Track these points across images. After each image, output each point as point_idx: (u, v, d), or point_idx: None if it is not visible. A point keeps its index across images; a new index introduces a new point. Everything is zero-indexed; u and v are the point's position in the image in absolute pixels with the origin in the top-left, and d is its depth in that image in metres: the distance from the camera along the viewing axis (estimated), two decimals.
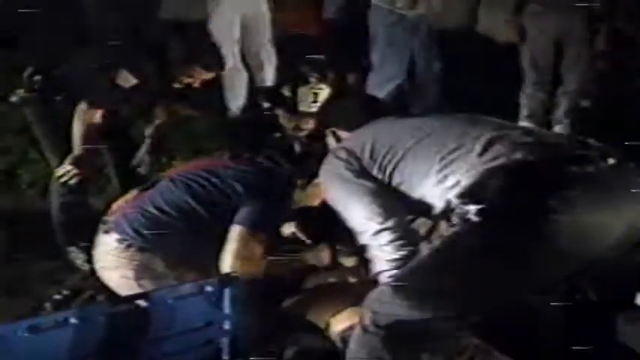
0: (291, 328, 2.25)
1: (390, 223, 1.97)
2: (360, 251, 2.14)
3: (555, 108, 4.39)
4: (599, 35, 4.15)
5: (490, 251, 1.75)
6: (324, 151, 2.39)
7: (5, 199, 3.60)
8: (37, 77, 2.91)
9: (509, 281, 1.79)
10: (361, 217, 2.01)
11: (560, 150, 1.90)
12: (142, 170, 3.13)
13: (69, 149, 2.81)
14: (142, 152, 3.16)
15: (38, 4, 3.95)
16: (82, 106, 2.79)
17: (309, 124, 2.71)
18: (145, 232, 2.27)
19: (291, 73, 4.15)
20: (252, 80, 4.67)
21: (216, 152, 2.62)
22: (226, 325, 1.87)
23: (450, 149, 1.93)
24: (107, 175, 3.33)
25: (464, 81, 4.42)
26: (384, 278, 1.96)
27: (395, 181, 2.01)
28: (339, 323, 2.16)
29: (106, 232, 2.34)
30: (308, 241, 2.60)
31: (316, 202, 2.40)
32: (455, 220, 1.83)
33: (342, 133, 2.40)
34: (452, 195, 1.85)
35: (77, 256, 3.03)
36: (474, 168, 1.84)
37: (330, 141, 2.45)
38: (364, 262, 2.14)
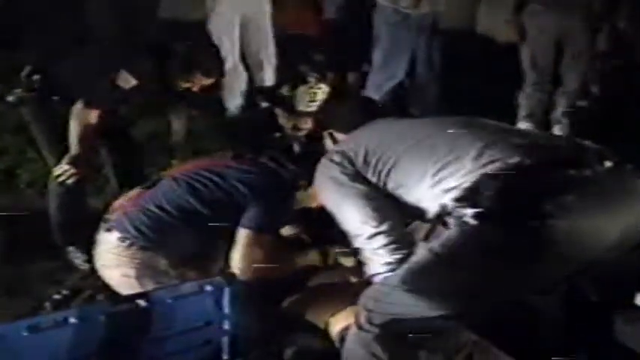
0: (291, 328, 2.25)
1: (384, 227, 1.97)
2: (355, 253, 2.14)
3: (554, 108, 4.39)
4: (600, 35, 4.14)
5: (487, 253, 1.75)
6: (324, 151, 2.38)
7: (4, 198, 3.59)
8: (35, 77, 2.90)
9: (507, 282, 1.79)
10: (355, 220, 2.01)
11: (556, 153, 1.89)
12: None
13: (66, 149, 2.80)
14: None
15: (37, 4, 3.96)
16: (79, 105, 2.78)
17: (308, 124, 2.71)
18: (147, 230, 2.27)
19: (291, 73, 4.16)
20: (251, 80, 4.67)
21: (218, 152, 2.61)
22: (226, 325, 1.87)
23: (445, 153, 1.92)
24: (105, 175, 3.33)
25: (463, 81, 4.42)
26: (378, 280, 1.96)
27: (389, 185, 2.01)
28: (338, 323, 2.16)
29: (108, 230, 2.34)
30: (308, 242, 2.60)
31: (316, 203, 2.40)
32: (451, 222, 1.82)
33: (339, 135, 2.40)
34: (448, 199, 1.84)
35: (76, 256, 3.03)
36: (469, 172, 1.83)
37: (328, 143, 2.45)
38: (363, 263, 2.13)
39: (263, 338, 2.13)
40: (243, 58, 4.58)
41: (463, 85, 4.38)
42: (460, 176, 1.84)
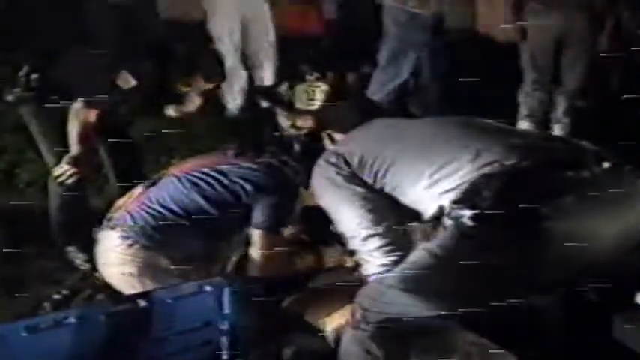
0: (290, 328, 2.25)
1: (379, 229, 1.96)
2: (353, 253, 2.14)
3: (554, 107, 4.39)
4: (601, 34, 4.14)
5: (484, 255, 1.74)
6: (324, 151, 2.38)
7: (4, 198, 3.59)
8: (34, 76, 2.90)
9: (503, 283, 1.78)
10: (351, 222, 2.01)
11: (554, 155, 1.89)
12: None
13: (66, 149, 2.80)
14: None
15: (37, 4, 3.95)
16: (78, 105, 2.78)
17: (307, 123, 2.71)
18: (150, 229, 2.27)
19: (291, 73, 4.16)
20: (251, 80, 4.67)
21: (220, 149, 2.61)
22: (225, 325, 1.87)
23: (442, 154, 1.91)
24: (105, 174, 3.32)
25: (463, 80, 4.42)
26: (374, 280, 1.96)
27: (386, 186, 2.00)
28: (333, 322, 2.17)
29: (111, 228, 2.33)
30: (307, 242, 2.60)
31: (315, 203, 2.40)
32: (449, 224, 1.82)
33: (337, 136, 2.39)
34: (444, 200, 1.83)
35: (76, 256, 3.03)
36: (467, 173, 1.82)
37: (327, 143, 2.45)
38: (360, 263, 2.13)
39: (262, 338, 2.13)
40: (243, 57, 4.58)
41: (463, 84, 4.37)
42: (457, 177, 1.83)
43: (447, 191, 1.83)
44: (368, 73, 4.71)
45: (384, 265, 1.94)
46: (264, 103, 2.99)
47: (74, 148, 2.79)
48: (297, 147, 2.57)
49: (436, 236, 1.85)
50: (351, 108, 2.59)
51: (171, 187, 2.37)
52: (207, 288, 1.83)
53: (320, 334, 2.20)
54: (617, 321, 2.13)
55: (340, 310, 2.16)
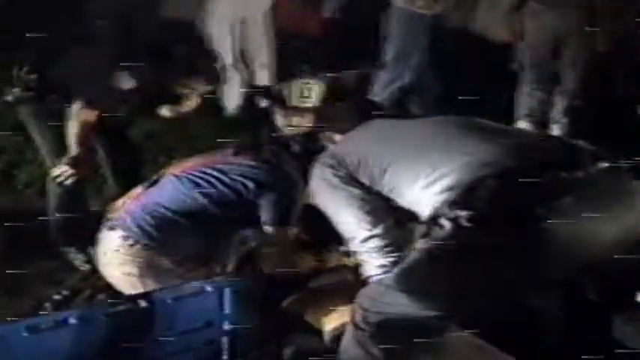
0: (290, 329, 2.25)
1: (377, 230, 1.96)
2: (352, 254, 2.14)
3: (553, 107, 4.39)
4: (600, 34, 4.14)
5: (480, 256, 1.74)
6: (323, 150, 2.38)
7: (3, 198, 3.59)
8: (33, 76, 2.90)
9: (500, 284, 1.78)
10: (349, 223, 2.01)
11: (550, 155, 1.88)
12: None
13: (65, 149, 2.80)
14: None
15: (36, 4, 3.95)
16: (77, 105, 2.78)
17: (303, 122, 2.71)
18: (150, 229, 2.27)
19: (289, 73, 4.16)
20: (250, 80, 4.67)
21: (218, 149, 2.61)
22: (226, 326, 1.87)
23: (438, 154, 1.91)
24: (103, 175, 3.32)
25: (463, 80, 4.42)
26: (374, 280, 1.96)
27: (383, 188, 1.99)
28: (331, 322, 2.16)
29: (111, 229, 2.33)
30: (307, 241, 2.60)
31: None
32: (445, 224, 1.82)
33: (336, 137, 2.39)
34: (441, 201, 1.83)
35: (75, 256, 3.03)
36: (463, 174, 1.82)
37: (328, 143, 2.45)
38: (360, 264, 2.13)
39: (263, 338, 2.13)
40: (242, 57, 4.58)
41: (464, 84, 4.38)
42: (453, 178, 1.82)
43: (443, 191, 1.82)
44: (367, 74, 4.72)
45: (382, 266, 1.94)
46: (263, 103, 2.98)
47: (73, 149, 2.78)
48: (295, 146, 2.57)
49: (434, 237, 1.85)
50: (350, 108, 2.59)
51: (171, 187, 2.37)
52: (208, 288, 1.83)
53: (320, 334, 2.20)
54: (617, 321, 2.14)
55: (339, 310, 2.15)
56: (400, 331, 1.82)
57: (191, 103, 2.84)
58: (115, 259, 2.28)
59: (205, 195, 2.31)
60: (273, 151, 2.50)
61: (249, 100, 4.65)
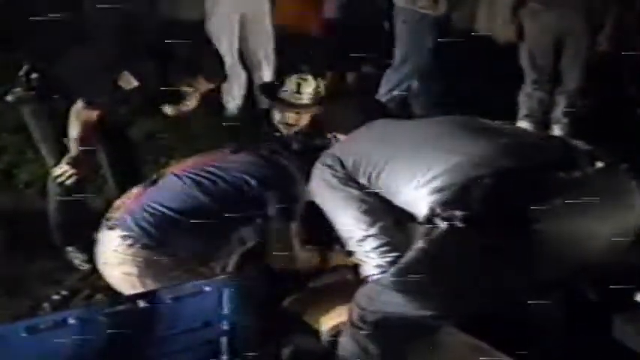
0: (290, 329, 2.25)
1: (373, 230, 1.97)
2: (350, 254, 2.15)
3: (554, 107, 4.39)
4: (600, 34, 4.14)
5: (474, 256, 1.75)
6: (322, 148, 2.39)
7: (3, 198, 3.59)
8: (34, 76, 2.90)
9: (496, 284, 1.78)
10: (346, 223, 2.02)
11: (546, 155, 1.88)
12: None
13: (66, 149, 2.80)
14: None
15: (36, 3, 3.95)
16: (79, 105, 2.78)
17: (300, 120, 2.71)
18: (150, 228, 2.26)
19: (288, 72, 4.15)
20: (250, 80, 4.67)
21: (218, 149, 2.62)
22: (225, 326, 1.87)
23: (434, 153, 1.92)
24: (103, 175, 3.32)
25: (464, 80, 4.43)
26: (372, 279, 1.97)
27: (380, 188, 2.00)
28: (330, 321, 2.17)
29: (110, 228, 2.32)
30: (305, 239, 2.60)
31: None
32: (440, 224, 1.83)
33: (341, 137, 2.40)
34: (435, 200, 1.83)
35: (75, 256, 3.03)
36: (458, 174, 1.82)
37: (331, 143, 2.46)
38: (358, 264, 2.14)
39: (262, 338, 2.13)
40: (242, 57, 4.58)
41: (466, 85, 4.39)
42: (448, 177, 1.83)
43: (437, 190, 1.83)
44: (368, 74, 4.73)
45: (379, 266, 1.95)
46: (267, 105, 2.98)
47: (74, 149, 2.78)
48: (295, 145, 2.57)
49: (429, 237, 1.86)
50: (351, 108, 2.59)
51: (171, 186, 2.37)
52: (207, 288, 1.83)
53: (319, 334, 2.20)
54: (617, 321, 2.14)
55: (337, 309, 2.15)
56: (397, 330, 1.84)
57: (192, 102, 2.83)
58: (115, 258, 2.28)
59: (206, 192, 2.31)
60: (273, 149, 2.50)
61: (250, 100, 4.66)
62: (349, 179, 2.04)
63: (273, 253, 2.38)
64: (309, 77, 2.70)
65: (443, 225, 1.77)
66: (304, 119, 2.70)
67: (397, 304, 1.82)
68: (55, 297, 2.73)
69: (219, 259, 2.37)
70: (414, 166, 1.92)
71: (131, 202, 2.38)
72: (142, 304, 1.73)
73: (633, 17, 4.32)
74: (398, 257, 1.91)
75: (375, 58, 4.87)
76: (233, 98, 4.64)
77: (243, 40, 4.51)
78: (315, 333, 2.19)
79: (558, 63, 4.23)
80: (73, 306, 2.65)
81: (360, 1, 4.89)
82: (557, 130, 4.33)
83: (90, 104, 2.78)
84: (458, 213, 1.75)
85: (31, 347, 1.59)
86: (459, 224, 1.74)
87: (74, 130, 2.78)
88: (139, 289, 2.15)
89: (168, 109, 2.91)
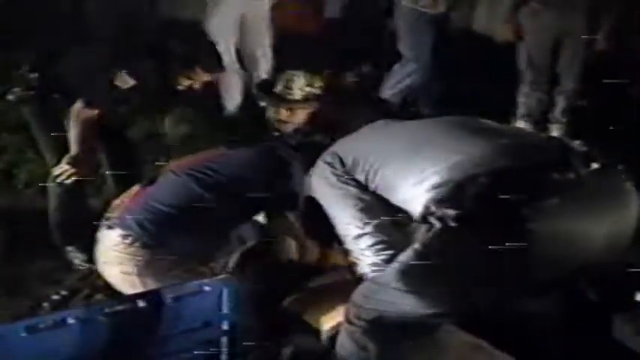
0: (290, 328, 2.25)
1: (368, 228, 1.98)
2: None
3: (552, 107, 4.39)
4: (599, 34, 4.13)
5: (466, 256, 1.76)
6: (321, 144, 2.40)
7: (3, 198, 3.59)
8: (34, 75, 2.90)
9: (490, 284, 1.79)
10: (343, 221, 2.04)
11: (542, 156, 1.89)
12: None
13: (66, 148, 2.80)
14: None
15: (36, 3, 3.95)
16: (78, 105, 2.78)
17: (295, 117, 2.71)
18: (150, 226, 2.26)
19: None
20: (249, 79, 4.66)
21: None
22: (225, 325, 1.87)
23: (431, 152, 1.93)
24: (103, 175, 3.32)
25: (463, 80, 4.43)
26: (368, 277, 1.98)
27: (377, 186, 2.01)
28: (328, 321, 2.18)
29: (110, 228, 2.32)
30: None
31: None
32: (434, 222, 1.83)
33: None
34: (430, 199, 1.84)
35: (75, 256, 3.03)
36: (453, 173, 1.83)
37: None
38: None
39: (262, 338, 2.13)
40: (241, 57, 4.58)
41: (466, 84, 4.39)
42: (442, 176, 1.84)
43: (432, 189, 1.84)
44: (368, 73, 4.72)
45: (374, 264, 1.96)
46: (263, 102, 2.98)
47: (74, 148, 2.79)
48: (292, 141, 2.58)
49: (423, 235, 1.86)
50: (353, 109, 2.60)
51: (170, 183, 2.37)
52: (207, 288, 1.83)
53: (318, 334, 2.20)
54: (617, 321, 2.14)
55: (337, 309, 2.16)
56: (393, 328, 1.85)
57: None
58: (114, 257, 2.28)
59: (203, 186, 2.31)
60: (271, 144, 2.52)
61: (248, 100, 4.65)
62: (348, 177, 2.05)
63: (274, 241, 2.39)
64: (300, 73, 2.71)
65: (436, 224, 1.78)
66: (297, 116, 2.70)
67: (393, 302, 1.83)
68: (55, 297, 2.73)
69: (219, 259, 2.38)
70: (411, 164, 1.93)
71: (130, 201, 2.38)
72: (141, 303, 1.73)
73: (633, 17, 4.31)
74: (393, 255, 1.92)
75: (375, 57, 4.87)
76: (232, 98, 4.63)
77: (242, 40, 4.51)
78: (315, 332, 2.20)
79: (557, 63, 4.23)
80: (72, 306, 2.65)
81: (361, 1, 4.89)
82: (555, 130, 4.33)
83: (90, 104, 2.78)
84: (451, 212, 1.76)
85: (31, 347, 1.60)
86: (452, 223, 1.75)
87: (74, 130, 2.78)
88: (139, 289, 2.16)
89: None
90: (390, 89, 4.40)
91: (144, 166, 3.41)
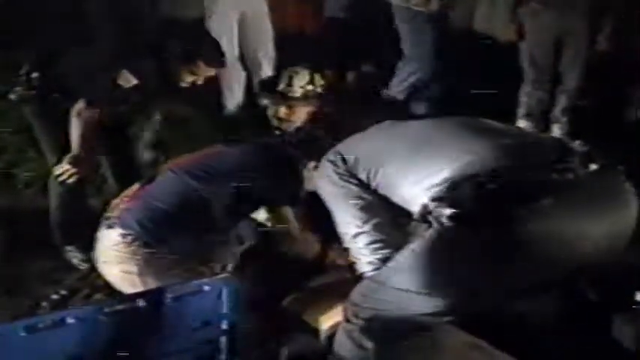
0: (289, 328, 2.25)
1: (366, 227, 1.99)
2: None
3: (554, 106, 4.38)
4: (601, 34, 4.13)
5: (461, 255, 1.76)
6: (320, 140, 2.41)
7: (3, 198, 3.59)
8: (35, 75, 2.90)
9: (483, 284, 1.79)
10: (342, 219, 2.05)
11: (541, 156, 1.89)
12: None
13: (67, 148, 2.80)
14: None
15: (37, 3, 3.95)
16: (80, 104, 2.78)
17: (295, 116, 2.71)
18: (150, 225, 2.26)
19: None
20: (250, 79, 4.66)
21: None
22: (224, 325, 1.86)
23: (430, 153, 1.94)
24: (103, 174, 3.32)
25: (463, 79, 4.42)
26: (367, 276, 2.00)
27: (378, 185, 2.02)
28: (327, 321, 2.19)
29: (109, 227, 2.32)
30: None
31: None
32: (431, 221, 1.83)
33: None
34: (428, 198, 1.85)
35: (75, 256, 3.03)
36: (450, 172, 1.84)
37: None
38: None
39: (262, 338, 2.13)
40: (242, 56, 4.58)
41: (463, 83, 4.38)
42: (441, 176, 1.84)
43: (430, 188, 1.85)
44: (368, 73, 4.72)
45: (371, 262, 1.98)
46: (264, 101, 2.99)
47: (75, 148, 2.79)
48: (291, 138, 2.58)
49: (420, 235, 1.87)
50: (350, 106, 2.60)
51: (168, 182, 2.37)
52: (207, 287, 1.82)
53: (318, 333, 2.20)
54: (617, 321, 2.14)
55: (336, 309, 2.16)
56: (391, 327, 1.87)
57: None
58: (114, 257, 2.28)
59: (202, 181, 2.31)
60: (269, 141, 2.52)
61: (249, 99, 4.65)
62: (350, 175, 2.06)
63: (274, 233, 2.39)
64: (302, 71, 2.71)
65: (433, 223, 1.79)
66: (297, 114, 2.70)
67: (390, 301, 1.85)
68: (54, 296, 2.73)
69: (218, 259, 2.38)
70: (411, 163, 1.94)
71: (129, 200, 2.38)
72: (141, 303, 1.73)
73: (633, 17, 4.31)
74: (391, 254, 1.93)
75: (376, 57, 4.87)
76: (233, 97, 4.64)
77: (242, 38, 4.51)
78: (315, 332, 2.20)
79: (558, 62, 4.22)
80: (72, 305, 2.65)
81: (361, 1, 4.89)
82: (556, 130, 4.33)
83: (90, 104, 2.78)
84: (447, 211, 1.76)
85: (30, 347, 1.59)
86: (447, 222, 1.76)
87: (75, 130, 2.79)
88: (139, 288, 2.16)
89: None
90: (396, 87, 4.41)
91: (144, 165, 3.41)
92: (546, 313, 2.16)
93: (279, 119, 2.73)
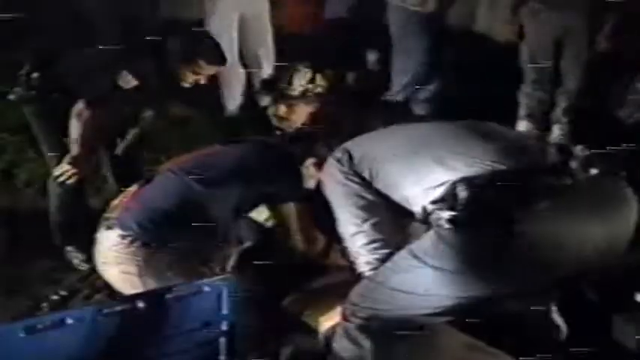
0: (289, 328, 2.25)
1: (365, 226, 1.99)
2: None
3: (554, 107, 4.38)
4: (600, 34, 4.13)
5: (458, 257, 1.76)
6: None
7: (3, 198, 3.59)
8: (35, 75, 2.90)
9: (480, 285, 1.79)
10: (341, 218, 2.05)
11: (540, 160, 1.89)
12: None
13: (67, 148, 2.80)
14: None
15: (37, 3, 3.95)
16: (80, 105, 2.78)
17: (295, 115, 2.71)
18: (149, 225, 2.25)
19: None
20: (249, 79, 4.66)
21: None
22: (224, 326, 1.86)
23: (431, 154, 1.93)
24: (103, 174, 3.32)
25: (463, 79, 4.42)
26: (366, 276, 2.00)
27: (379, 183, 2.02)
28: (327, 321, 2.18)
29: (109, 228, 2.32)
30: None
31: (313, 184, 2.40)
32: (430, 223, 1.84)
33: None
34: (428, 198, 1.85)
35: (75, 256, 3.03)
36: (450, 174, 1.84)
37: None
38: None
39: (261, 339, 2.13)
40: (242, 57, 4.58)
41: (463, 84, 4.38)
42: (440, 177, 1.85)
43: (430, 188, 1.85)
44: (369, 73, 4.72)
45: (369, 262, 1.98)
46: (264, 101, 2.98)
47: (75, 149, 2.79)
48: (291, 136, 2.58)
49: (418, 236, 1.88)
50: (351, 106, 2.60)
51: (167, 182, 2.37)
52: (206, 288, 1.83)
53: (317, 333, 2.20)
54: (617, 321, 2.14)
55: (336, 309, 2.16)
56: (389, 327, 1.88)
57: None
58: (114, 257, 2.27)
59: (201, 181, 2.31)
60: (269, 140, 2.53)
61: (250, 100, 4.65)
62: (353, 174, 2.06)
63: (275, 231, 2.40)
64: (304, 69, 2.70)
65: (433, 225, 1.79)
66: (297, 114, 2.69)
67: (388, 301, 1.86)
68: (54, 297, 2.73)
69: (218, 259, 2.37)
70: (411, 163, 1.95)
71: (128, 201, 2.37)
72: (140, 304, 1.73)
73: (633, 17, 4.30)
74: (389, 254, 1.93)
75: (376, 56, 4.87)
76: (233, 98, 4.63)
77: (242, 39, 4.51)
78: (315, 333, 2.20)
79: (559, 63, 4.22)
80: (71, 306, 2.65)
81: (362, 1, 4.89)
82: (557, 130, 4.32)
83: (90, 104, 2.78)
84: (447, 213, 1.77)
85: (30, 347, 1.59)
86: (445, 225, 1.76)
87: (75, 130, 2.79)
88: (139, 289, 2.15)
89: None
90: (397, 88, 4.40)
91: (144, 166, 3.41)
92: (546, 313, 2.16)
93: (279, 118, 2.72)
